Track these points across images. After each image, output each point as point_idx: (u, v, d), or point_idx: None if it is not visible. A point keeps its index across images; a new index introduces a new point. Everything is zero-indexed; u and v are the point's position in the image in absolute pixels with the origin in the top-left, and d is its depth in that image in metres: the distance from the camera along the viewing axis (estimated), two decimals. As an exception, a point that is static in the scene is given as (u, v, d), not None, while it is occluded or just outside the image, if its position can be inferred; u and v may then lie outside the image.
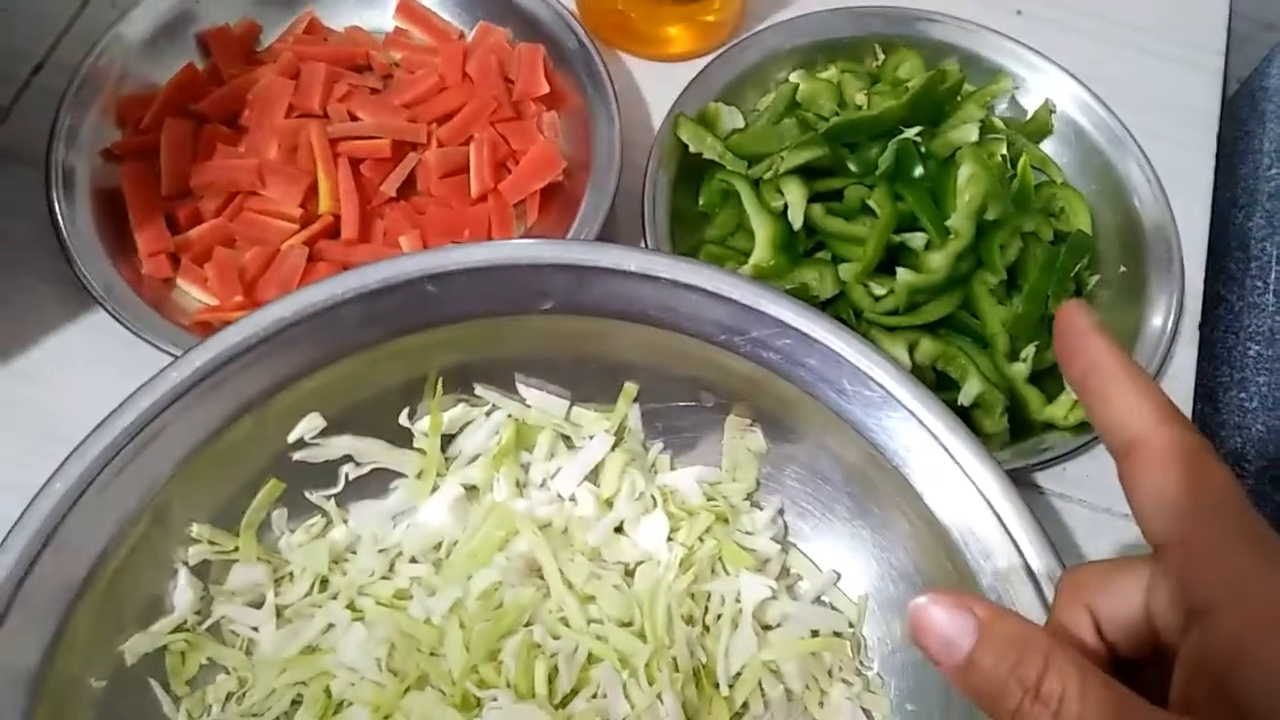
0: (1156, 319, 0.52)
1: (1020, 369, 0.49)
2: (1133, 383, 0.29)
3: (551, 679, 0.41)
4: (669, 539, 0.45)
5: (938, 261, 0.49)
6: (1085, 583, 0.30)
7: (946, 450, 0.43)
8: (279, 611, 0.44)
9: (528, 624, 0.42)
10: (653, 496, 0.47)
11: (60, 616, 0.38)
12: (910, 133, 0.52)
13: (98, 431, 0.40)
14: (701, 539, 0.46)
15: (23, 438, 0.48)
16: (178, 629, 0.42)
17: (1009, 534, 0.41)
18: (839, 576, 0.47)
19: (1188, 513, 0.27)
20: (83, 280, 0.48)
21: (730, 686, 0.43)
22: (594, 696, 0.41)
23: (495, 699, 0.39)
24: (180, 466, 0.41)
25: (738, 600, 0.45)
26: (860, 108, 0.55)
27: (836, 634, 0.45)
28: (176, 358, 0.42)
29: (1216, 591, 0.26)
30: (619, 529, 0.46)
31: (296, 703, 0.42)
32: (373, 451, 0.46)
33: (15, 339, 0.50)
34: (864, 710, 0.44)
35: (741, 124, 0.56)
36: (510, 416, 0.47)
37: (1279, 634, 0.24)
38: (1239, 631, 0.25)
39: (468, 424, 0.48)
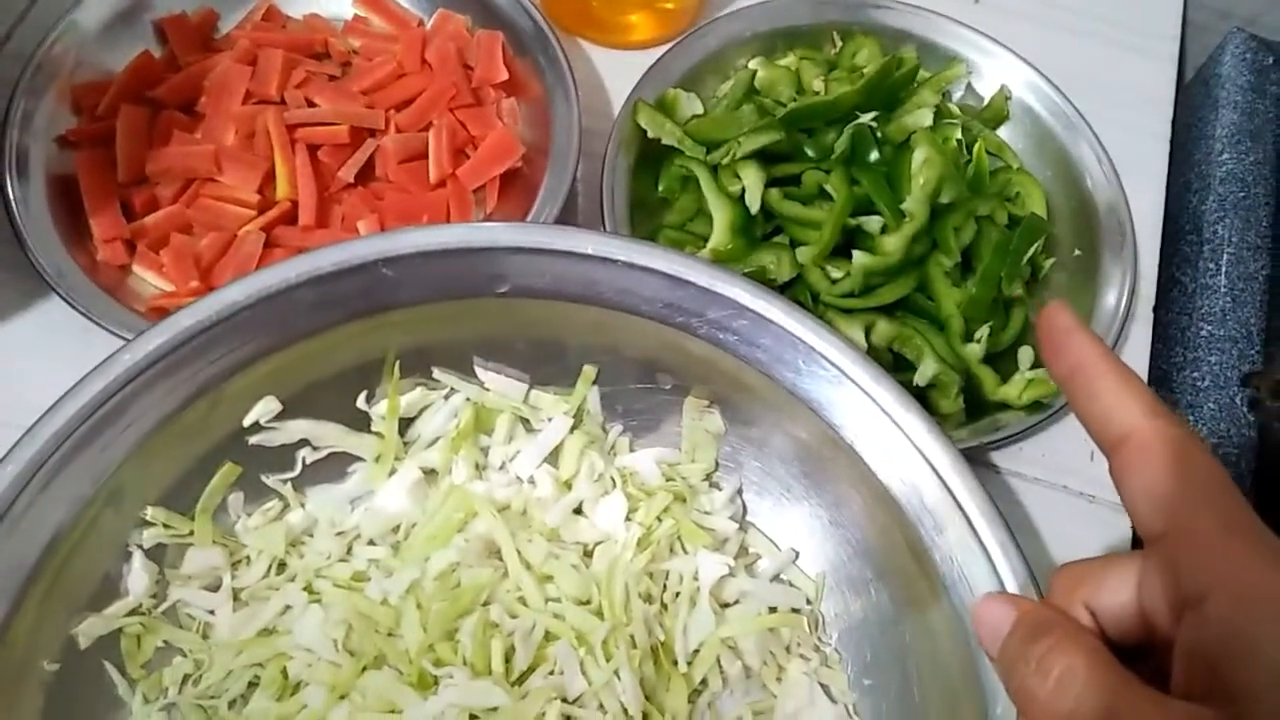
0: (1110, 300, 0.53)
1: (975, 350, 0.50)
2: (1119, 379, 0.31)
3: (508, 657, 0.41)
4: (627, 519, 0.46)
5: (893, 244, 0.50)
6: (1081, 579, 0.31)
7: (899, 427, 0.44)
8: (235, 594, 0.44)
9: (485, 603, 0.43)
10: (611, 478, 0.48)
11: (11, 598, 0.39)
12: (866, 118, 0.53)
13: (50, 414, 0.41)
14: (660, 519, 0.47)
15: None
16: (132, 612, 0.42)
17: (961, 509, 0.42)
18: (797, 555, 0.48)
19: (1178, 504, 0.29)
20: (36, 266, 0.48)
21: (689, 663, 0.44)
22: (551, 673, 0.41)
23: (451, 676, 0.40)
24: (134, 450, 0.42)
25: (695, 578, 0.46)
26: (818, 94, 0.56)
27: (794, 610, 0.47)
28: (129, 340, 0.43)
29: (1208, 579, 0.27)
30: (578, 510, 0.47)
31: (253, 684, 0.43)
32: (330, 435, 0.47)
33: (-31, 325, 0.50)
34: (821, 685, 0.45)
35: (700, 110, 0.57)
36: (469, 400, 0.48)
37: (1271, 618, 0.26)
38: (1232, 617, 0.26)
39: (426, 407, 0.48)
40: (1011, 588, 0.41)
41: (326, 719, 0.40)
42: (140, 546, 0.43)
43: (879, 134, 0.53)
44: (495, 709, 0.40)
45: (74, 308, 0.47)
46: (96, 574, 0.42)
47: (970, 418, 0.51)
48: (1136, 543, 0.51)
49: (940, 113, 0.55)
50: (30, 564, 0.39)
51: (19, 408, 0.41)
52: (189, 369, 0.43)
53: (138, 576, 0.42)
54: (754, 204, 0.52)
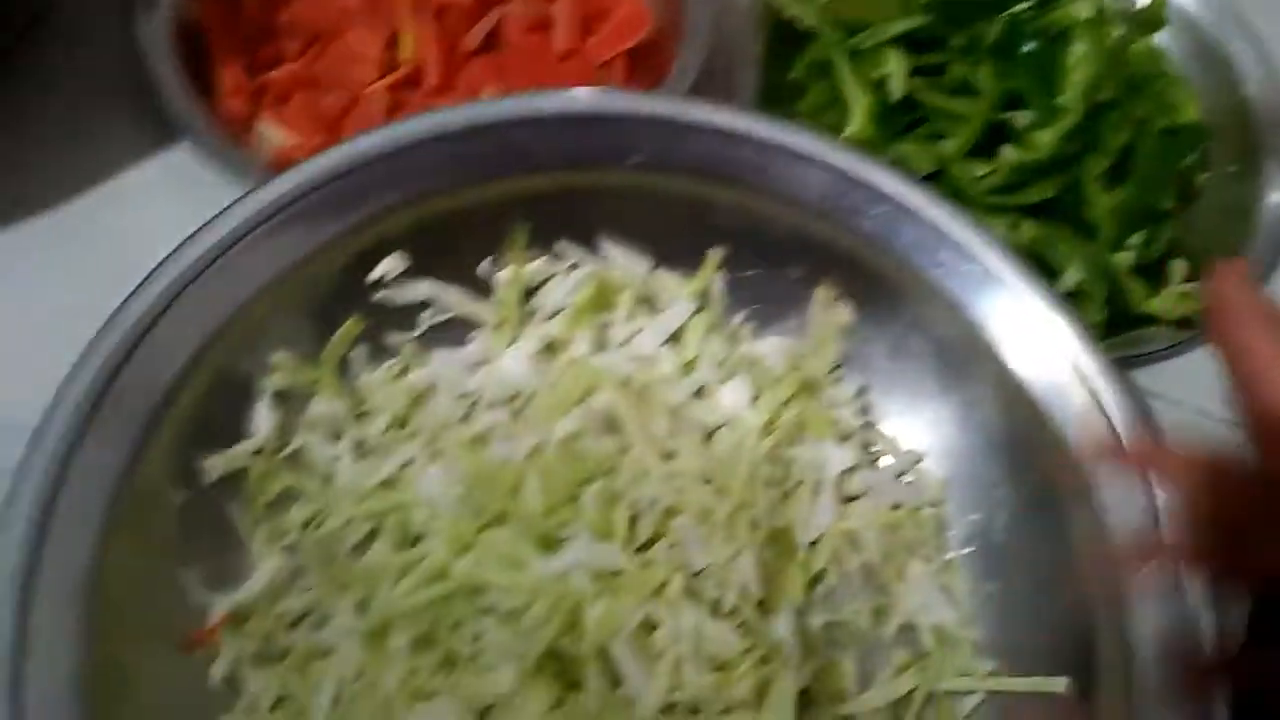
0: (1273, 214, 0.52)
1: (1125, 258, 0.50)
2: None
3: (631, 526, 0.42)
4: (751, 404, 0.47)
5: (1045, 140, 0.49)
6: None
7: (1047, 329, 0.43)
8: (358, 446, 0.45)
9: (608, 473, 0.43)
10: (734, 364, 0.48)
11: (145, 424, 0.40)
12: (1020, 7, 0.52)
13: (182, 249, 0.42)
14: (784, 406, 0.47)
15: (101, 261, 0.49)
16: (257, 453, 0.43)
17: (1104, 413, 0.42)
18: (922, 456, 0.48)
19: None
20: (166, 114, 0.49)
21: (808, 553, 0.44)
22: (672, 546, 0.42)
23: (575, 538, 0.41)
24: (263, 293, 0.43)
25: (818, 468, 0.46)
26: (969, -16, 0.55)
27: (917, 511, 0.47)
28: (265, 183, 0.44)
29: None
30: (699, 393, 0.48)
31: (372, 535, 0.44)
32: (452, 299, 0.48)
33: (99, 168, 0.52)
34: (942, 588, 0.45)
35: (843, -5, 0.56)
36: (592, 274, 0.49)
37: None
38: None
39: (549, 279, 0.49)
40: (1158, 496, 0.41)
41: (449, 570, 0.41)
42: (267, 390, 0.44)
43: (1033, 25, 0.52)
44: (618, 574, 0.40)
45: (201, 155, 0.48)
46: (225, 412, 0.43)
47: (1113, 331, 0.50)
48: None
49: (1099, 10, 0.54)
50: (163, 392, 0.40)
51: (143, 249, 0.42)
52: (317, 218, 0.44)
53: (264, 418, 0.44)
54: (896, 91, 0.51)
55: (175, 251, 0.42)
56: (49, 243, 0.50)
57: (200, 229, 0.42)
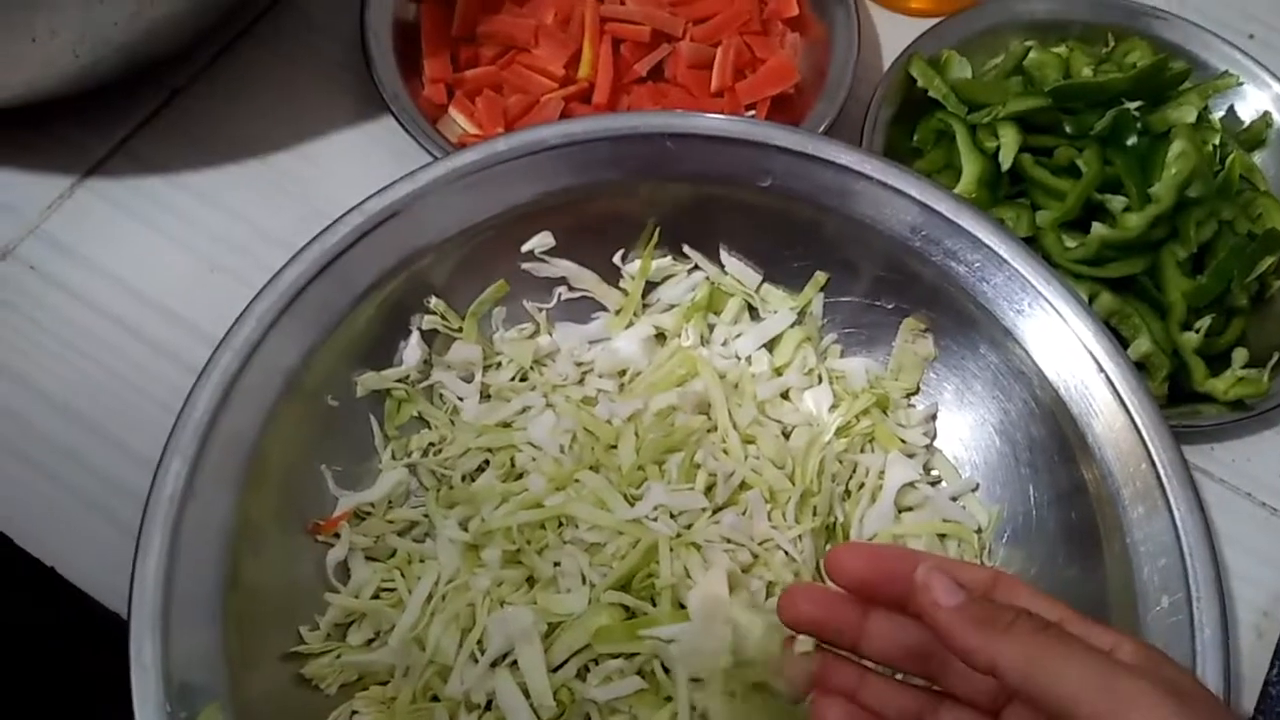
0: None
1: (1191, 338, 0.49)
2: None
3: (708, 490, 0.44)
4: (830, 410, 0.48)
5: (1134, 221, 0.50)
6: None
7: (1113, 388, 0.44)
8: (484, 389, 0.48)
9: (694, 446, 0.45)
10: (820, 375, 0.50)
11: (320, 334, 0.44)
12: (1130, 105, 0.53)
13: (373, 198, 0.45)
14: (858, 418, 0.48)
15: (301, 203, 0.54)
16: (401, 380, 0.47)
17: (1162, 485, 0.42)
18: (978, 486, 0.48)
19: None
20: (377, 85, 0.53)
21: (859, 548, 0.45)
22: (743, 514, 0.44)
23: (656, 486, 0.43)
24: (432, 246, 0.46)
25: (881, 475, 0.47)
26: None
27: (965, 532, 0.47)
28: (449, 151, 0.48)
29: None
30: (785, 396, 0.49)
31: (482, 468, 0.47)
32: (586, 280, 0.50)
33: (308, 129, 0.56)
34: (978, 605, 0.46)
35: (969, 75, 0.58)
36: (708, 279, 0.51)
37: None
38: None
39: (670, 276, 0.51)
40: (1189, 545, 0.41)
41: (544, 502, 0.43)
42: (419, 328, 0.47)
43: (1139, 123, 0.53)
44: (691, 526, 0.42)
45: (402, 125, 0.52)
46: (384, 339, 0.46)
47: (1172, 404, 0.50)
48: (1313, 559, 0.49)
49: (1201, 119, 0.54)
50: (340, 310, 0.44)
51: (335, 201, 0.45)
52: (490, 189, 0.47)
53: (412, 351, 0.47)
54: (1006, 161, 0.52)
55: (367, 199, 0.45)
56: (262, 181, 0.55)
57: (390, 184, 0.46)
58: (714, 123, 0.48)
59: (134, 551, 0.37)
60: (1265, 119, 0.58)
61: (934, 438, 0.50)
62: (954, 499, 0.48)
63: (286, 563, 0.43)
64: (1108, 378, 0.44)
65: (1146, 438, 0.43)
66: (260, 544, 0.41)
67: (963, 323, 0.48)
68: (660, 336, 0.51)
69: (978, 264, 0.47)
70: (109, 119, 0.55)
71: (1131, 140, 0.52)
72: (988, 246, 0.47)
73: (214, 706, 0.36)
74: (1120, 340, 0.51)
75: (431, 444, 0.47)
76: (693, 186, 0.49)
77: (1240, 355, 0.50)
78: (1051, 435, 0.45)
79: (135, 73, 0.53)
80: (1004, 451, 0.48)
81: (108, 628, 0.43)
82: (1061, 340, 0.45)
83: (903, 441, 0.48)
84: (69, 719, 0.44)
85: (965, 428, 0.49)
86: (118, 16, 0.47)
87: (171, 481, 0.39)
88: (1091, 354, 0.45)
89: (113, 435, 0.48)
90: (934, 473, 0.49)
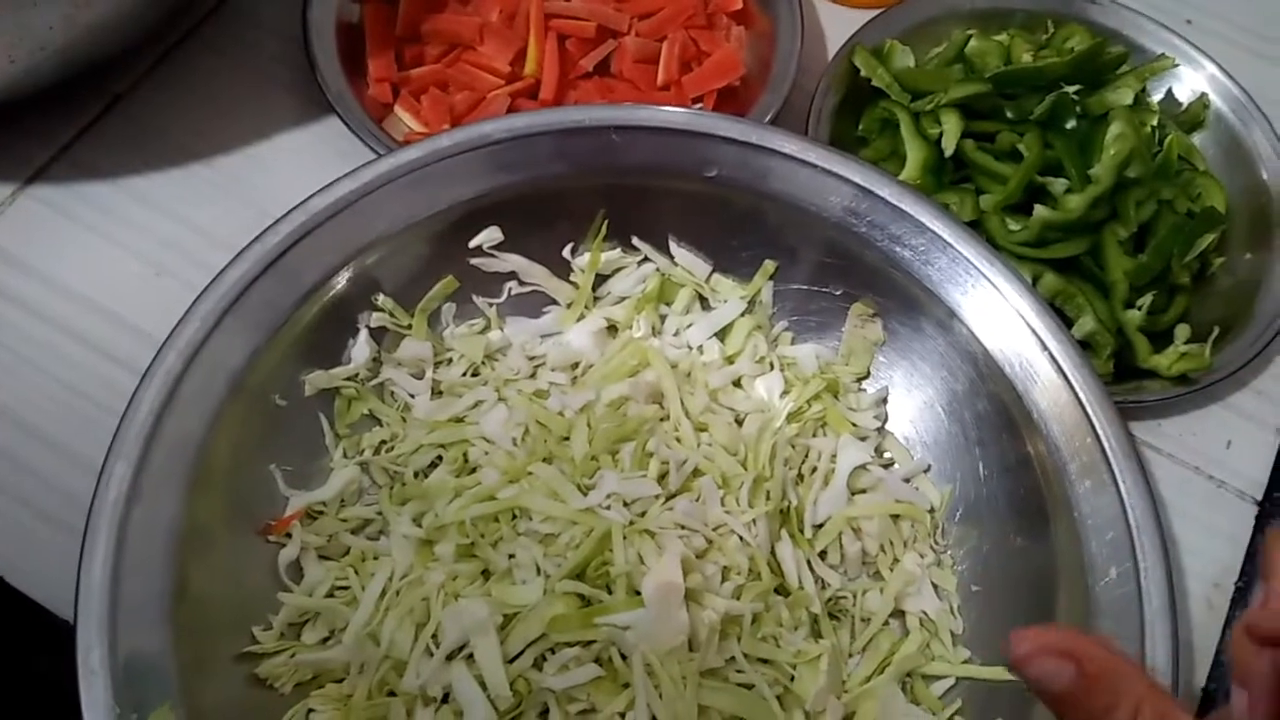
0: (1270, 306, 0.52)
1: (1134, 316, 0.50)
2: None
3: (661, 478, 0.44)
4: (782, 395, 0.49)
5: (1075, 203, 0.51)
6: None
7: (1058, 367, 0.45)
8: (435, 386, 0.48)
9: (646, 435, 0.46)
10: (771, 362, 0.50)
11: (265, 334, 0.43)
12: (1069, 89, 0.54)
13: (316, 196, 0.45)
14: (810, 403, 0.49)
15: (247, 205, 0.53)
16: (350, 378, 0.46)
17: (1105, 454, 0.43)
18: (930, 467, 0.49)
19: None
20: (321, 85, 0.53)
21: (814, 532, 0.46)
22: (696, 500, 0.44)
23: (609, 473, 0.43)
24: (377, 243, 0.46)
25: (834, 459, 0.47)
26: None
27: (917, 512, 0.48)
28: (394, 148, 0.48)
29: None
30: (737, 383, 0.50)
31: (434, 464, 0.47)
32: (536, 274, 0.50)
33: (253, 131, 0.56)
34: (933, 584, 0.46)
35: (912, 64, 0.59)
36: (658, 270, 0.51)
37: None
38: None
39: (620, 269, 0.51)
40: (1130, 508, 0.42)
41: (497, 495, 0.43)
42: (367, 326, 0.47)
43: (1079, 106, 0.54)
44: (644, 513, 0.42)
45: (346, 125, 0.52)
46: (330, 338, 0.46)
47: (1117, 380, 0.51)
48: (1259, 529, 0.50)
49: (1139, 102, 0.56)
50: (286, 309, 0.44)
51: (283, 202, 0.45)
52: (433, 186, 0.47)
53: (361, 349, 0.47)
54: (949, 147, 0.53)
55: (311, 197, 0.45)
56: (206, 185, 0.54)
57: (334, 181, 0.46)
58: (658, 115, 0.49)
59: (79, 553, 0.37)
60: (1202, 100, 0.59)
61: (885, 421, 0.50)
62: (906, 480, 0.48)
63: (238, 564, 0.42)
64: (1051, 355, 0.45)
65: (1091, 413, 0.44)
66: (210, 545, 0.41)
67: (909, 306, 0.48)
68: (612, 329, 0.51)
69: (922, 247, 0.48)
70: (50, 125, 0.55)
71: (1071, 123, 0.53)
72: (931, 230, 0.47)
73: (164, 708, 0.36)
74: (1065, 320, 0.52)
75: (383, 441, 0.47)
76: (640, 179, 0.49)
77: (1183, 331, 0.52)
78: (998, 413, 0.46)
79: (74, 77, 0.52)
80: (953, 431, 0.48)
81: (57, 634, 0.43)
82: (1006, 320, 0.46)
83: (854, 425, 0.49)
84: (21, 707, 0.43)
85: (915, 409, 0.50)
86: (52, 20, 0.47)
87: (116, 484, 0.39)
88: (1035, 333, 0.46)
89: (59, 442, 0.47)
90: (886, 455, 0.50)
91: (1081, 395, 0.44)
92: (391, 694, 0.40)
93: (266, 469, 0.44)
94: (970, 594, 0.46)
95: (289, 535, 0.44)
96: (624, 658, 0.40)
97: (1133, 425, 0.53)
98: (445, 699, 0.40)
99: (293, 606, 0.42)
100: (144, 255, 0.52)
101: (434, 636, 0.41)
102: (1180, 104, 0.60)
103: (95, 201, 0.53)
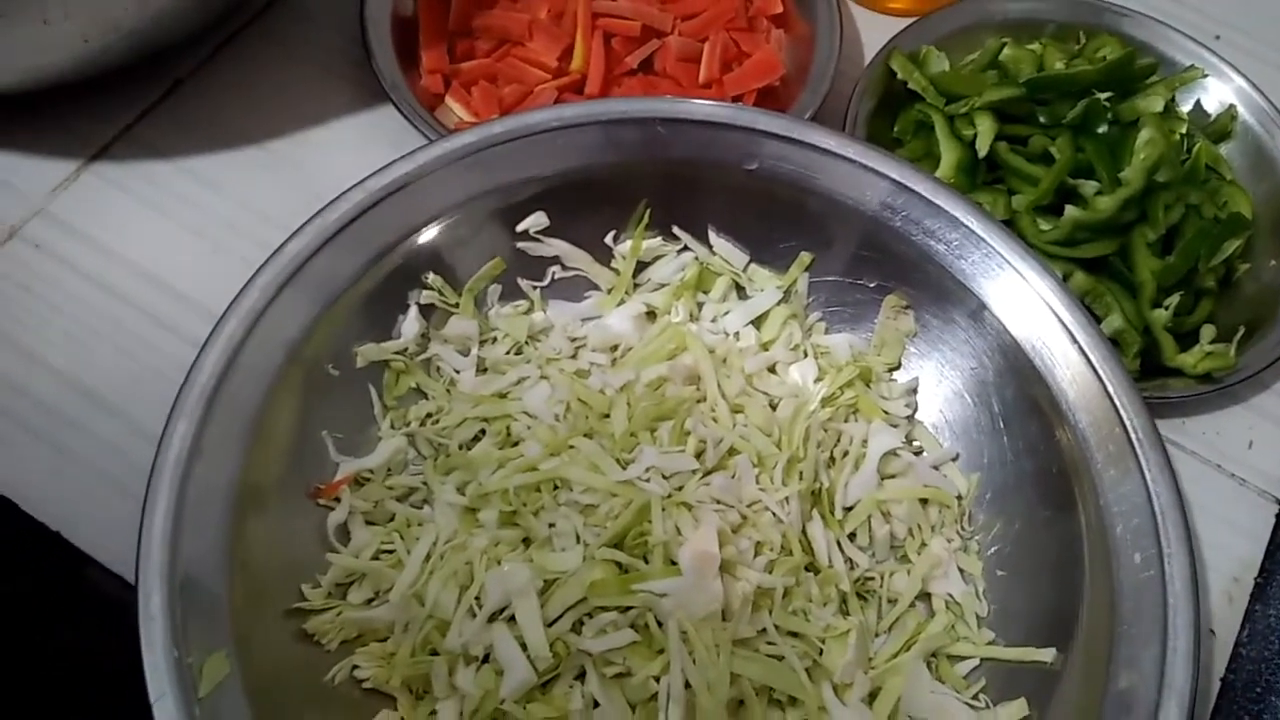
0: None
1: (1161, 315, 0.52)
2: None
3: (697, 456, 0.45)
4: (815, 382, 0.50)
5: (1105, 204, 0.52)
6: None
7: (1088, 360, 0.46)
8: (480, 363, 0.50)
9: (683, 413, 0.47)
10: (805, 350, 0.51)
11: (321, 306, 0.45)
12: (1101, 96, 0.55)
13: (372, 177, 0.47)
14: (842, 390, 0.50)
15: (302, 188, 0.55)
16: (400, 352, 0.48)
17: (1133, 446, 0.44)
18: (958, 456, 0.50)
19: None
20: (377, 74, 0.55)
21: (844, 514, 0.47)
22: (732, 477, 0.45)
23: (648, 449, 0.45)
24: (429, 223, 0.48)
25: (865, 443, 0.49)
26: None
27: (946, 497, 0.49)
28: (450, 133, 0.49)
29: None
30: (772, 369, 0.51)
31: (478, 437, 0.48)
32: (579, 260, 0.52)
33: (309, 118, 0.58)
34: (959, 568, 0.47)
35: (947, 69, 0.60)
36: (697, 259, 0.53)
37: None
38: None
39: (660, 257, 0.53)
40: (1160, 505, 0.43)
41: (539, 466, 0.45)
42: (417, 303, 0.48)
43: (1110, 112, 0.55)
44: (682, 487, 0.44)
45: (400, 112, 0.54)
46: (383, 312, 0.48)
47: (1143, 378, 0.52)
48: (1279, 526, 0.51)
49: (1169, 111, 0.57)
50: (341, 284, 0.46)
51: (336, 185, 0.46)
52: (485, 170, 0.49)
53: (410, 324, 0.48)
54: (983, 149, 0.54)
55: (369, 177, 0.47)
56: (263, 167, 0.56)
57: (391, 163, 0.48)
58: (702, 108, 0.50)
59: (142, 506, 0.38)
60: (1230, 112, 0.61)
61: (915, 410, 0.51)
62: (935, 467, 0.49)
63: (289, 524, 0.44)
64: (1081, 348, 0.46)
65: (1119, 404, 0.45)
66: (263, 504, 0.42)
67: (942, 298, 0.50)
68: (651, 314, 0.52)
69: (956, 242, 0.49)
70: (114, 107, 0.57)
71: (1102, 129, 0.55)
72: (965, 225, 0.49)
73: (219, 655, 0.37)
74: (1094, 317, 0.53)
75: (429, 414, 0.48)
76: (683, 170, 0.51)
77: (1208, 332, 0.53)
78: (1027, 403, 0.47)
79: (141, 61, 0.54)
80: (982, 421, 0.49)
81: (109, 591, 0.44)
82: (1036, 313, 0.47)
83: (885, 413, 0.50)
84: (73, 678, 0.44)
85: (945, 399, 0.51)
86: (127, 2, 0.49)
87: (178, 442, 0.40)
88: (1065, 325, 0.47)
89: (118, 408, 0.49)
90: (915, 443, 0.51)
91: (1109, 387, 0.45)
92: (434, 653, 0.42)
93: (319, 435, 0.45)
94: (996, 578, 0.47)
95: (338, 500, 0.45)
96: (660, 624, 0.41)
97: (1157, 422, 0.54)
98: (486, 659, 0.41)
99: (340, 567, 0.43)
100: (202, 232, 0.54)
101: (477, 598, 0.42)
102: (1208, 115, 0.62)
103: (156, 180, 0.55)
